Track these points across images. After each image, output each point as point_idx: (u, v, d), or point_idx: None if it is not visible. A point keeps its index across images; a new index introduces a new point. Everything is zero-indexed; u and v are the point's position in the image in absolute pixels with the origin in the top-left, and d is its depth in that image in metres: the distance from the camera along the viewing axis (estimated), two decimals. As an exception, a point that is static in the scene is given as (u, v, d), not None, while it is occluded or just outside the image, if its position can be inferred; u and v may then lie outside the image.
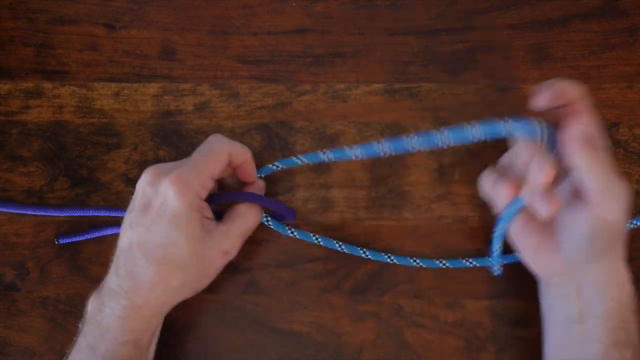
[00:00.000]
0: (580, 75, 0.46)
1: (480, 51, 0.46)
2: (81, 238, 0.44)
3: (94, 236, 0.44)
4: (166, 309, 0.40)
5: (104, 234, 0.44)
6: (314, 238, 0.43)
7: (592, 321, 0.36)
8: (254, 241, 0.45)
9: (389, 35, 0.47)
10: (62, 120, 0.47)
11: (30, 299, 0.45)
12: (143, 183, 0.37)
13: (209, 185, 0.38)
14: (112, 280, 0.38)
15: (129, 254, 0.37)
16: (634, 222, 0.43)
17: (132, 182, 0.46)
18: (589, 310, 0.36)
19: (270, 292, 0.45)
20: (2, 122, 0.47)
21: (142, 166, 0.46)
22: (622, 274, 0.37)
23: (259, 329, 0.44)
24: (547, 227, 0.39)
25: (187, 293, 0.40)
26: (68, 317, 0.45)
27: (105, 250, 0.45)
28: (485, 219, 0.45)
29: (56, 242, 0.44)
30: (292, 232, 0.43)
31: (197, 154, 0.39)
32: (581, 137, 0.35)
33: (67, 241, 0.44)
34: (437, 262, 0.43)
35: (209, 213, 0.39)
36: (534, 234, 0.39)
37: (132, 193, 0.46)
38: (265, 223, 0.43)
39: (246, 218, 0.40)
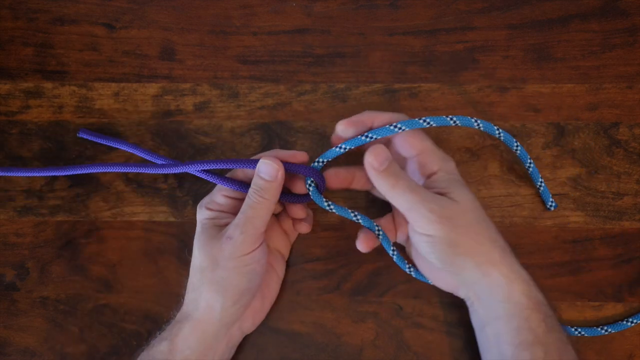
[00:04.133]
0: (580, 75, 0.46)
1: (480, 51, 0.46)
2: (102, 141, 0.45)
3: (113, 144, 0.44)
4: (216, 324, 0.39)
5: (122, 147, 0.44)
6: (352, 215, 0.41)
7: (495, 323, 0.37)
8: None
9: (389, 35, 0.47)
10: (62, 120, 0.47)
11: (30, 299, 0.45)
12: None
13: (221, 200, 0.41)
14: None
15: None
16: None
17: (132, 182, 0.46)
18: (489, 314, 0.38)
19: (270, 292, 0.45)
20: (2, 122, 0.47)
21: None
22: (503, 274, 0.37)
23: (259, 328, 0.44)
24: None
25: (220, 293, 0.38)
26: (68, 317, 0.45)
27: (105, 250, 0.45)
28: (485, 219, 0.45)
29: (77, 135, 0.45)
30: (329, 207, 0.41)
31: None
32: (370, 167, 0.37)
33: (87, 137, 0.45)
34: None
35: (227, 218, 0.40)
36: (424, 259, 0.40)
37: (132, 193, 0.46)
38: (308, 188, 0.40)
39: (247, 197, 0.39)
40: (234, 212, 0.40)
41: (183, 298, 0.41)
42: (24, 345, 0.44)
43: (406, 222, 0.39)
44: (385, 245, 0.41)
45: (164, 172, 0.43)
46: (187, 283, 0.41)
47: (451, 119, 0.39)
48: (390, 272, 0.44)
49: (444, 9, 0.47)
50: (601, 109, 0.46)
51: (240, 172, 0.41)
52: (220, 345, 0.40)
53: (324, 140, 0.46)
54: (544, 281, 0.44)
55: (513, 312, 0.36)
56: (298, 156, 0.40)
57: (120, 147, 0.44)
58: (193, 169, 0.40)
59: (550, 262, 0.44)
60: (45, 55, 0.47)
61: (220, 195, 0.41)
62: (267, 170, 0.38)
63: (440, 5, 0.47)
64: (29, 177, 0.46)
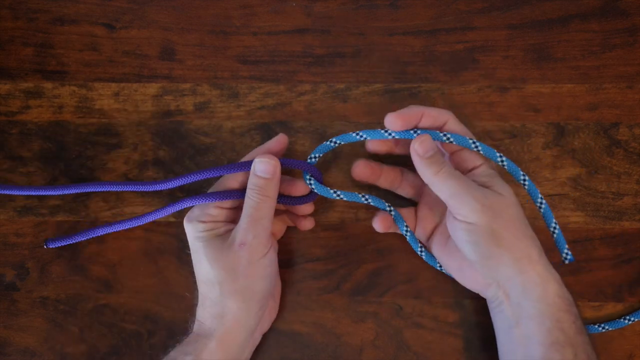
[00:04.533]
0: (580, 75, 0.46)
1: (480, 51, 0.46)
2: (71, 241, 0.43)
3: (84, 238, 0.43)
4: (243, 333, 0.39)
5: (95, 235, 0.43)
6: (362, 198, 0.41)
7: (526, 323, 0.37)
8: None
9: (389, 35, 0.47)
10: (62, 120, 0.46)
11: (30, 299, 0.45)
12: None
13: (214, 212, 0.40)
14: None
15: None
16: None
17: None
18: (520, 313, 0.37)
19: (270, 292, 0.45)
20: (2, 122, 0.47)
21: (142, 166, 0.46)
22: (539, 274, 0.37)
23: (259, 329, 0.44)
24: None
25: (245, 302, 0.38)
26: (68, 317, 0.45)
27: (105, 250, 0.45)
28: (485, 219, 0.45)
29: (45, 247, 0.43)
30: (337, 195, 0.41)
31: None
32: (415, 154, 0.37)
33: (56, 245, 0.43)
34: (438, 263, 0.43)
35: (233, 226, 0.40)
36: (453, 255, 0.40)
37: (132, 193, 0.46)
38: (309, 184, 0.41)
39: (247, 200, 0.39)
40: (229, 220, 0.40)
41: (194, 315, 0.40)
42: (24, 345, 0.44)
43: (432, 215, 0.40)
44: (398, 224, 0.42)
45: (158, 189, 0.42)
46: (196, 299, 0.40)
47: (473, 142, 0.39)
48: (390, 272, 0.44)
49: (444, 9, 0.47)
50: (601, 109, 0.46)
51: (232, 180, 0.40)
52: (245, 352, 0.41)
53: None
54: (544, 281, 0.44)
55: (546, 313, 0.36)
56: (280, 140, 0.41)
57: (96, 234, 0.43)
58: (186, 182, 0.40)
59: (550, 262, 0.44)
60: (45, 55, 0.47)
61: (213, 207, 0.40)
62: (264, 168, 0.38)
63: (440, 5, 0.47)
64: (29, 177, 0.46)
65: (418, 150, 0.37)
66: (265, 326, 0.43)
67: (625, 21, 0.46)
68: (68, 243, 0.43)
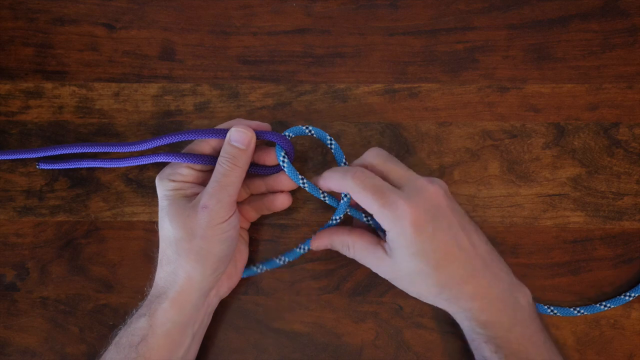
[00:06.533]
0: (580, 75, 0.46)
1: (480, 51, 0.46)
2: (61, 166, 0.45)
3: (74, 166, 0.45)
4: (196, 292, 0.39)
5: (82, 165, 0.45)
6: (322, 195, 0.41)
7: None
8: (255, 241, 0.45)
9: (389, 35, 0.47)
10: (62, 120, 0.46)
11: (30, 299, 0.45)
12: None
13: (185, 171, 0.41)
14: None
15: None
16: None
17: (132, 182, 0.46)
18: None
19: (270, 293, 0.45)
20: (2, 122, 0.47)
21: (142, 166, 0.46)
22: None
23: (259, 329, 0.44)
24: None
25: (200, 263, 0.38)
26: (68, 317, 0.45)
27: (105, 250, 0.45)
28: (486, 218, 0.45)
29: (37, 167, 0.45)
30: (303, 183, 0.41)
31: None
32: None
33: (47, 167, 0.45)
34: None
35: (201, 190, 0.40)
36: None
37: (132, 193, 0.46)
38: (282, 163, 0.41)
39: (217, 166, 0.39)
40: (198, 182, 0.41)
41: (154, 273, 0.41)
42: (24, 346, 0.44)
43: None
44: (357, 216, 0.42)
45: (133, 149, 0.43)
46: (157, 258, 0.40)
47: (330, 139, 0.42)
48: (390, 272, 0.44)
49: (444, 9, 0.47)
50: (601, 109, 0.46)
51: (205, 144, 0.41)
52: (199, 314, 0.41)
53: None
54: (544, 281, 0.44)
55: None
56: (262, 127, 0.41)
57: (86, 165, 0.45)
58: (163, 142, 0.41)
59: (550, 262, 0.44)
60: (45, 56, 0.47)
61: (184, 166, 0.41)
62: (239, 137, 0.39)
63: (440, 5, 0.47)
64: (29, 177, 0.46)
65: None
66: (222, 291, 0.43)
67: (625, 21, 0.46)
68: (58, 168, 0.45)
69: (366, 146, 0.46)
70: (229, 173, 0.39)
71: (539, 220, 0.45)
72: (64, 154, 0.45)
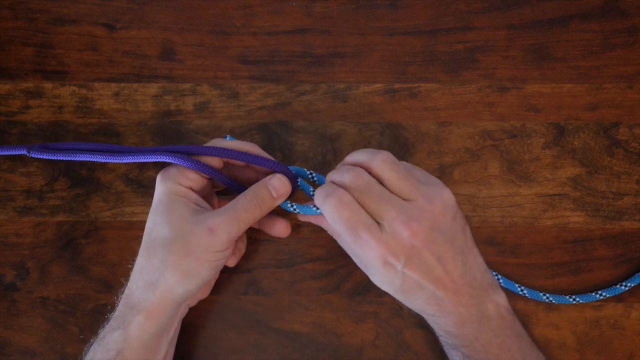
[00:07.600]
0: (580, 75, 0.46)
1: (480, 51, 0.46)
2: (53, 157, 0.42)
3: (67, 158, 0.42)
4: (172, 305, 0.39)
5: (77, 158, 0.42)
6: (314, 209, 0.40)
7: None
8: (255, 242, 0.45)
9: (389, 35, 0.47)
10: (62, 120, 0.46)
11: (30, 299, 0.45)
12: None
13: (193, 176, 0.39)
14: None
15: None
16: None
17: (132, 182, 0.46)
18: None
19: (270, 293, 0.45)
20: (2, 122, 0.47)
21: (142, 166, 0.46)
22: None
23: (259, 329, 0.44)
24: None
25: (186, 280, 0.38)
26: (68, 317, 0.45)
27: (105, 250, 0.45)
28: (486, 218, 0.45)
29: (27, 154, 0.42)
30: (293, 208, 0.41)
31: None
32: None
33: (38, 156, 0.42)
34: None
35: (202, 203, 0.40)
36: None
37: (132, 193, 0.46)
38: (290, 208, 0.41)
39: (242, 197, 0.39)
40: (201, 191, 0.40)
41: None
42: (24, 346, 0.44)
43: None
44: (306, 211, 0.41)
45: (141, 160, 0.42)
46: (137, 256, 0.39)
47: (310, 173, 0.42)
48: (390, 272, 0.44)
49: (444, 9, 0.47)
50: (601, 109, 0.46)
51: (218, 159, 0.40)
52: (174, 323, 0.40)
53: (324, 140, 0.46)
54: (544, 281, 0.44)
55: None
56: (247, 147, 0.40)
57: (80, 159, 0.42)
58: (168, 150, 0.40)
59: (550, 262, 0.44)
60: (45, 56, 0.47)
61: (192, 171, 0.39)
62: (278, 186, 0.39)
63: (440, 5, 0.47)
64: (29, 177, 0.46)
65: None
66: (194, 302, 0.43)
67: (625, 21, 0.46)
68: (49, 158, 0.42)
69: (366, 146, 0.46)
70: (250, 211, 0.38)
71: (539, 220, 0.45)
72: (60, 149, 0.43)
